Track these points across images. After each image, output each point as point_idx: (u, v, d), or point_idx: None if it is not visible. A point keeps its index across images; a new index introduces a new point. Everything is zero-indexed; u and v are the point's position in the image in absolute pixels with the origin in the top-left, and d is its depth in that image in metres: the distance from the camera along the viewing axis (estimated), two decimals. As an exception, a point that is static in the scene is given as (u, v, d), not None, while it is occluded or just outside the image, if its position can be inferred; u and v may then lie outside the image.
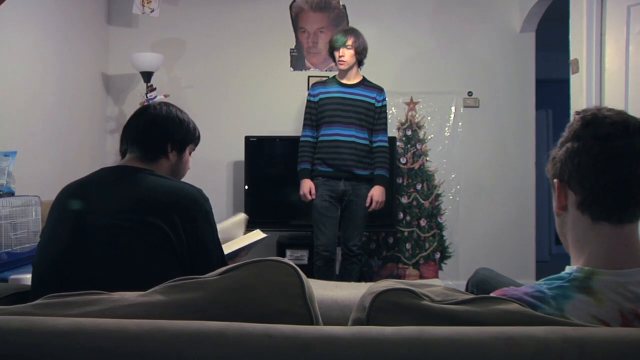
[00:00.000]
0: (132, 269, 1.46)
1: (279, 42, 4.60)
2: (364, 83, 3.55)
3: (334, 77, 3.62)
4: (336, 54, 3.47)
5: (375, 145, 3.52)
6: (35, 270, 1.56)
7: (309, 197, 3.47)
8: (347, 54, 3.44)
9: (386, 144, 3.54)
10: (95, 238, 1.48)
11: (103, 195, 1.55)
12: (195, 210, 1.54)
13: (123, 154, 1.73)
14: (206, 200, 1.59)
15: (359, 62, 3.53)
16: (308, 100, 3.59)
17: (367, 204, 3.46)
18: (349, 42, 3.43)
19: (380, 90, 3.55)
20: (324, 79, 3.88)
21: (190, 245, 1.52)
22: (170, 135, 1.70)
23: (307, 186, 3.48)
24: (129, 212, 1.49)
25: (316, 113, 3.54)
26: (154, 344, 0.83)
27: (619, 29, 3.21)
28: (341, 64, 3.47)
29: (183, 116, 1.76)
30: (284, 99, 4.58)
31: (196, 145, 1.81)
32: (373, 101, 3.51)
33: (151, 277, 1.41)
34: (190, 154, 1.80)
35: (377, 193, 3.46)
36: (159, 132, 1.69)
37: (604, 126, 0.98)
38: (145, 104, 4.17)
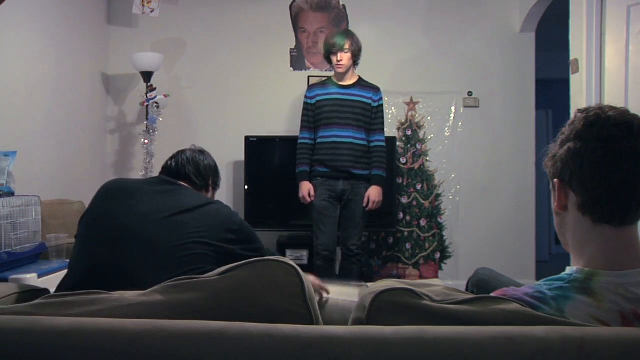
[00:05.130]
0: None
1: (279, 42, 4.60)
2: (360, 83, 3.57)
3: (330, 78, 3.64)
4: (333, 58, 3.49)
5: (372, 145, 3.53)
6: (76, 260, 1.61)
7: (308, 199, 3.48)
8: (345, 58, 3.46)
9: (383, 144, 3.56)
10: (146, 240, 1.56)
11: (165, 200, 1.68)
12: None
13: None
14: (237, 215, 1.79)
15: (354, 63, 3.56)
16: (305, 103, 3.60)
17: (365, 204, 3.47)
18: (347, 45, 3.45)
19: (376, 90, 3.57)
20: (323, 79, 3.89)
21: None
22: (212, 173, 1.98)
23: (306, 188, 3.49)
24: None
25: (314, 115, 3.55)
26: (154, 344, 0.83)
27: (619, 29, 3.21)
28: (339, 68, 3.49)
29: (216, 164, 2.04)
30: (284, 99, 4.58)
31: (216, 191, 2.06)
32: (369, 101, 3.53)
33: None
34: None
35: (373, 193, 3.47)
36: (206, 167, 1.95)
37: (608, 127, 0.96)
38: (146, 103, 4.18)
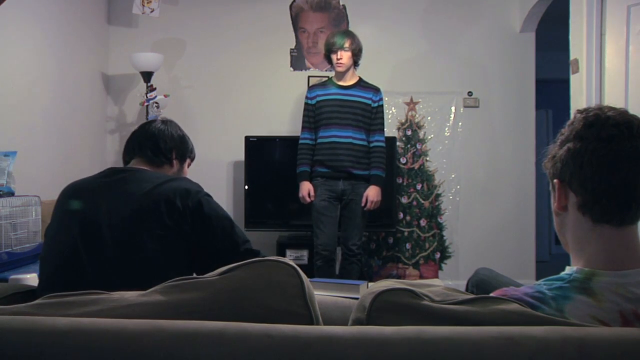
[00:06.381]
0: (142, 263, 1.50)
1: (279, 42, 4.60)
2: (360, 84, 3.57)
3: (331, 78, 3.65)
4: (334, 56, 3.49)
5: (372, 145, 3.54)
6: (43, 266, 1.60)
7: (307, 199, 3.48)
8: (345, 56, 3.46)
9: (383, 144, 3.56)
10: (105, 235, 1.51)
11: (111, 194, 1.60)
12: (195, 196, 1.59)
13: (127, 163, 1.81)
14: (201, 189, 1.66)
15: (355, 63, 3.56)
16: (306, 103, 3.61)
17: (363, 204, 3.47)
18: (347, 44, 3.45)
19: (376, 90, 3.57)
20: (323, 79, 3.90)
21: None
22: (176, 145, 1.82)
23: (306, 188, 3.49)
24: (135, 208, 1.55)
25: (314, 115, 3.56)
26: (153, 344, 0.83)
27: (619, 29, 3.21)
28: (339, 66, 3.49)
29: (184, 133, 1.89)
30: (284, 99, 4.58)
31: (192, 160, 1.93)
32: (369, 102, 3.53)
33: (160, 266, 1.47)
34: (188, 167, 1.91)
35: (372, 193, 3.47)
36: (166, 139, 1.81)
37: (607, 127, 0.97)
38: (146, 103, 4.18)
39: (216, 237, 1.57)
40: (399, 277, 4.46)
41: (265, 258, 0.96)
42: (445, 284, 1.11)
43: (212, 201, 1.62)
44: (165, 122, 1.86)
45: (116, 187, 1.60)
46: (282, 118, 4.56)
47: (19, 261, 2.49)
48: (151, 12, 4.28)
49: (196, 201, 1.55)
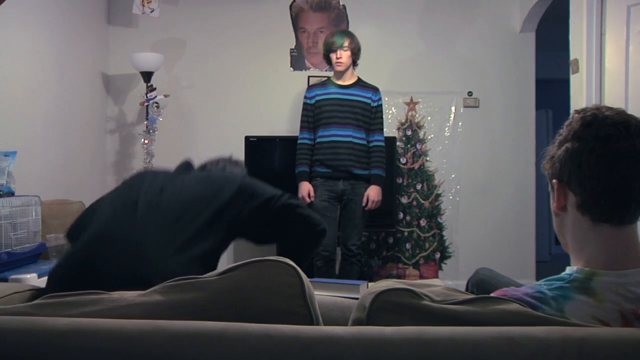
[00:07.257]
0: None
1: (279, 42, 4.60)
2: (360, 83, 3.58)
3: (330, 79, 3.65)
4: (333, 56, 3.50)
5: (371, 145, 3.54)
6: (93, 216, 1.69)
7: (307, 199, 3.48)
8: (344, 56, 3.47)
9: (382, 144, 3.56)
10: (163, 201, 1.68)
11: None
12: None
13: None
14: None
15: (354, 63, 3.56)
16: (304, 103, 3.62)
17: (364, 204, 3.47)
18: (346, 43, 3.46)
19: (375, 90, 3.58)
20: (323, 79, 3.90)
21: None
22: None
23: (305, 189, 3.49)
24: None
25: (313, 115, 3.56)
26: (153, 344, 0.83)
27: (619, 29, 3.21)
28: (339, 66, 3.49)
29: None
30: (284, 99, 4.58)
31: None
32: (369, 101, 3.53)
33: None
34: None
35: (373, 193, 3.47)
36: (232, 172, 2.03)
37: (605, 127, 0.97)
38: (146, 103, 4.18)
39: (258, 197, 1.83)
40: (399, 277, 4.46)
41: (265, 258, 0.96)
42: (445, 284, 1.11)
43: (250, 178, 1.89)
44: (235, 161, 2.09)
45: (180, 175, 1.82)
46: (282, 118, 4.56)
47: (19, 261, 2.49)
48: (151, 12, 4.27)
49: (240, 178, 1.84)
